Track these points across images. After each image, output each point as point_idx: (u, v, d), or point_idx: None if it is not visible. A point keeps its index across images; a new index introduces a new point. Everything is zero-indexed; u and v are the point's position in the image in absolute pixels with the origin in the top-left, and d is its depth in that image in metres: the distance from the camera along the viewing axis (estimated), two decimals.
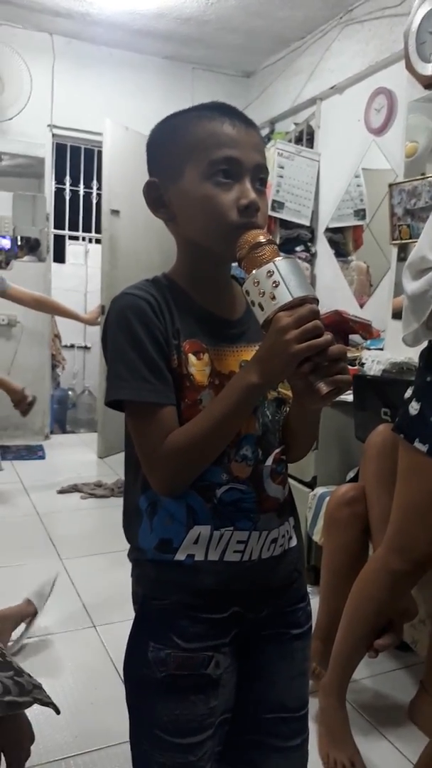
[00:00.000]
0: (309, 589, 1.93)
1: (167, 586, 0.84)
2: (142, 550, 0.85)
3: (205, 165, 0.78)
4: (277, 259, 0.72)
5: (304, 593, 0.94)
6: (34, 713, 1.17)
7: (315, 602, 1.93)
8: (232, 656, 0.86)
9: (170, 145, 0.82)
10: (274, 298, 0.70)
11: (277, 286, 0.71)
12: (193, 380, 0.80)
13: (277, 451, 0.87)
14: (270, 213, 3.55)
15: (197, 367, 0.81)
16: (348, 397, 2.31)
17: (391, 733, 1.57)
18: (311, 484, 2.30)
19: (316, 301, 0.72)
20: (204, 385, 0.81)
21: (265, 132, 4.10)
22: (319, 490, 2.23)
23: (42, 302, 3.68)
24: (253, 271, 0.73)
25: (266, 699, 0.90)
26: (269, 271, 0.71)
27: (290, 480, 0.92)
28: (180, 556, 0.82)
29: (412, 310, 1.28)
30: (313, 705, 1.54)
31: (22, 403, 3.09)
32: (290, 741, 0.91)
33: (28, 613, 1.84)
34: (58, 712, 1.13)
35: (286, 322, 0.69)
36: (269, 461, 0.85)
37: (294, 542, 0.91)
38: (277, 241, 3.61)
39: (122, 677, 0.91)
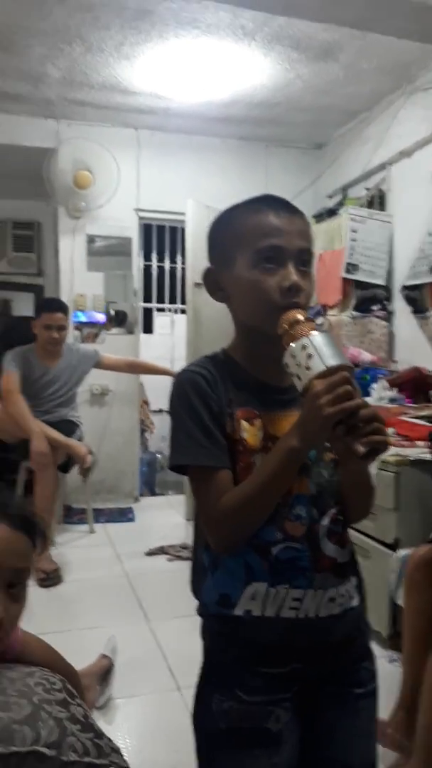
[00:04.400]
0: (395, 655, 1.85)
1: (228, 640, 0.88)
2: (205, 604, 0.91)
3: (252, 253, 0.88)
4: (311, 333, 0.79)
5: (365, 652, 0.95)
6: None
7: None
8: (293, 712, 0.88)
9: (224, 236, 0.94)
10: (309, 368, 0.77)
11: (311, 358, 0.77)
12: (246, 444, 0.87)
13: (334, 511, 0.90)
14: (344, 275, 3.63)
15: (249, 432, 0.87)
16: (427, 455, 2.27)
17: None
18: (394, 546, 2.25)
19: (350, 369, 0.77)
20: (256, 449, 0.87)
21: (337, 199, 4.24)
22: (402, 552, 2.17)
23: (134, 365, 3.98)
24: (291, 345, 0.80)
25: (330, 758, 0.91)
26: (304, 345, 0.78)
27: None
28: (238, 611, 0.87)
29: None
30: None
31: (81, 467, 3.27)
32: None
33: (106, 667, 1.95)
34: None
35: (319, 389, 0.75)
36: (325, 521, 0.89)
37: (355, 602, 0.93)
38: (353, 301, 3.67)
39: None
